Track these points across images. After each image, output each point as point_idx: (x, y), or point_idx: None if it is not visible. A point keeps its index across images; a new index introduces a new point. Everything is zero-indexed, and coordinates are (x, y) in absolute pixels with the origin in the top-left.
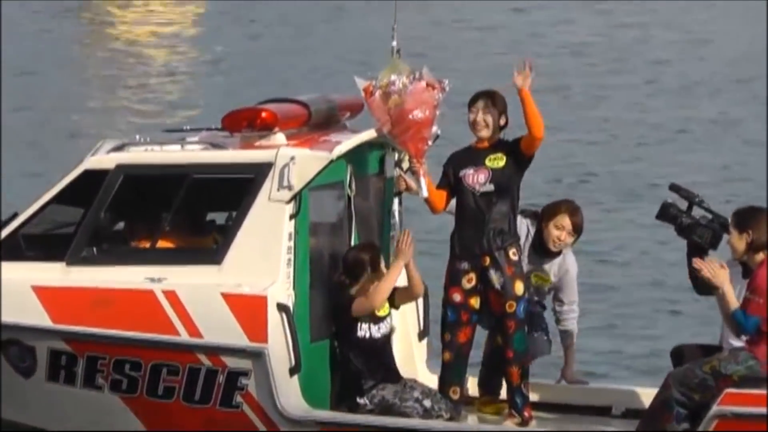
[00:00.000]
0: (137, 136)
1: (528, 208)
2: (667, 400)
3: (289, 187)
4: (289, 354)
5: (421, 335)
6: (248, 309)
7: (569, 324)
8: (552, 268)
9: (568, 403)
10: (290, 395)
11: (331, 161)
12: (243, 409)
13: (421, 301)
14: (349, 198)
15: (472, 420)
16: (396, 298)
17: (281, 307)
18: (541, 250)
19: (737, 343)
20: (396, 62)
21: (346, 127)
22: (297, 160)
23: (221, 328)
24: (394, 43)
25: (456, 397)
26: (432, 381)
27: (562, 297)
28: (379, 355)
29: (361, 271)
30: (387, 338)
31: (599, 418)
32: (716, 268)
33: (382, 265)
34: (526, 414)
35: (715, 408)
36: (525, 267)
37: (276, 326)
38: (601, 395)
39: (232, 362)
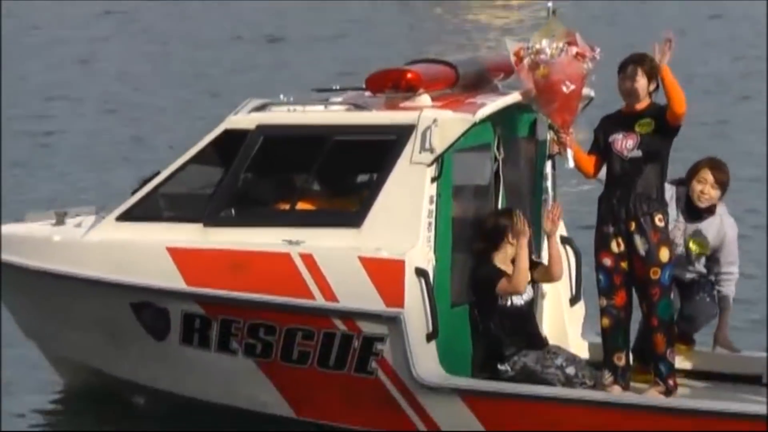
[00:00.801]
0: (281, 96)
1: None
2: None
3: (431, 150)
4: (427, 319)
5: (573, 301)
6: (386, 273)
7: (726, 287)
8: (710, 231)
9: (718, 371)
10: (427, 362)
11: (474, 124)
12: (378, 375)
13: (573, 265)
14: (497, 161)
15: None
16: (535, 275)
17: (420, 272)
18: (693, 211)
19: None
20: (551, 24)
21: (497, 89)
22: (440, 123)
23: (357, 293)
24: (550, 4)
25: (621, 363)
26: (584, 349)
27: (721, 258)
28: (521, 322)
29: (501, 237)
30: (529, 305)
31: (749, 387)
32: None
33: (526, 227)
34: (670, 382)
35: None
36: (681, 233)
37: (413, 291)
38: (753, 364)
39: (367, 327)
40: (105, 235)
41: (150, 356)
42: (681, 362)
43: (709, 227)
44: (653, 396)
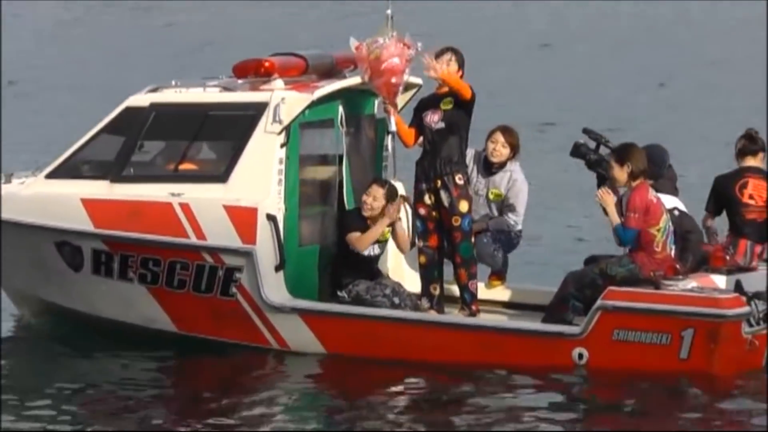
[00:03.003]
0: (173, 81)
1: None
2: (565, 295)
3: (280, 122)
4: (275, 254)
5: (412, 245)
6: (243, 218)
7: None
8: (501, 182)
9: (526, 303)
10: (274, 287)
11: (313, 101)
12: (237, 298)
13: (410, 217)
14: (341, 133)
15: (434, 313)
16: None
17: (269, 217)
18: (487, 166)
19: None
20: (384, 29)
21: (345, 76)
22: (286, 100)
23: (222, 233)
24: (389, 11)
25: (436, 292)
26: (416, 281)
27: (510, 204)
28: (365, 265)
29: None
30: (377, 257)
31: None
32: (603, 194)
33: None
34: (473, 308)
35: (599, 302)
36: (483, 186)
37: (264, 232)
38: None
39: (228, 260)
40: (36, 190)
41: (71, 284)
42: (495, 294)
43: (501, 179)
44: (455, 317)
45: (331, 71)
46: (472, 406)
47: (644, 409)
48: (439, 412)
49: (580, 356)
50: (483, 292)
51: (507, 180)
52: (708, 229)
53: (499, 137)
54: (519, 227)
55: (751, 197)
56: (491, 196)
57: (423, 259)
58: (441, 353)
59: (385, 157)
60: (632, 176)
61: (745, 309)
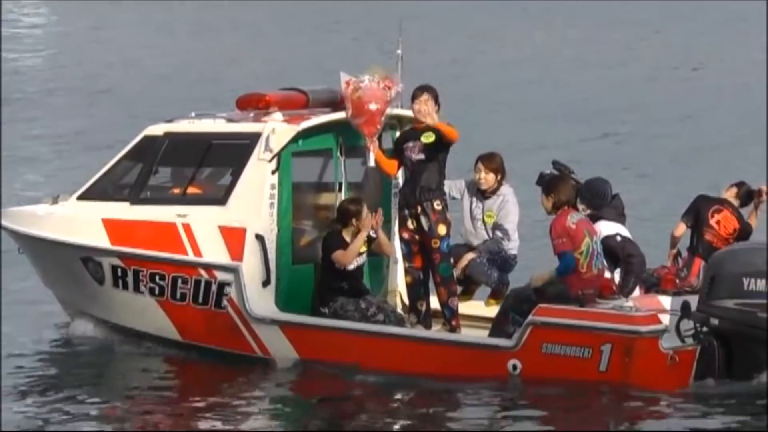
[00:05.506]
0: (191, 113)
1: None
2: (506, 309)
3: (271, 150)
4: (262, 271)
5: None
6: (233, 237)
7: (508, 247)
8: (494, 206)
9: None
10: (260, 301)
11: (299, 132)
12: (228, 310)
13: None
14: (340, 162)
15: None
16: (372, 247)
17: (258, 237)
18: (481, 194)
19: None
20: (374, 68)
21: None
22: (276, 131)
23: (215, 251)
24: (399, 51)
25: (422, 309)
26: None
27: (500, 225)
28: (350, 280)
29: (349, 218)
30: (360, 268)
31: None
32: (534, 278)
33: (364, 214)
34: (453, 323)
35: (529, 317)
36: (480, 211)
37: (252, 250)
38: None
39: (220, 275)
40: (67, 210)
41: (98, 296)
42: (491, 312)
43: (493, 203)
44: (438, 333)
45: (335, 106)
46: (414, 411)
47: (566, 418)
48: (384, 415)
49: (515, 367)
50: (480, 309)
51: (498, 205)
52: (674, 240)
53: (481, 166)
54: (513, 251)
55: (718, 223)
56: (486, 219)
57: (409, 278)
58: (392, 362)
59: (394, 185)
60: (554, 206)
61: (660, 326)
